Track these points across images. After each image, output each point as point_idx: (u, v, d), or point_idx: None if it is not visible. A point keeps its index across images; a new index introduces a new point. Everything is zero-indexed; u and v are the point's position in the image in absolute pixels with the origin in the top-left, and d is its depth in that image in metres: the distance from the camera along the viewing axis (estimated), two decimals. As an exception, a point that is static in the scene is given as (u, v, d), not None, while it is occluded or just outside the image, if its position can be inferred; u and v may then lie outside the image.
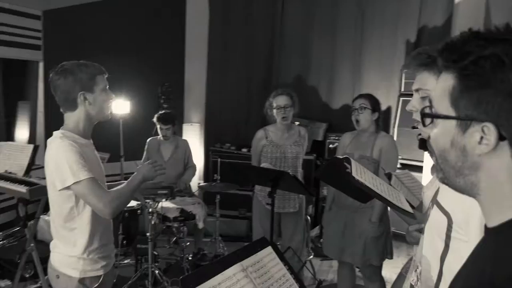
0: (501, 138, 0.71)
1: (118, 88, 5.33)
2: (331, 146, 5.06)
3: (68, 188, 1.82)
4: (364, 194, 2.13)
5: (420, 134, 2.70)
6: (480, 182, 0.76)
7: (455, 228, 1.22)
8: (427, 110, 0.85)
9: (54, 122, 5.17)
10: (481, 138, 0.72)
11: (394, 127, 4.82)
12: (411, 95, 4.54)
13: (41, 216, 4.44)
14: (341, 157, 1.82)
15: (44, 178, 2.01)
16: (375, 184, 1.63)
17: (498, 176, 0.73)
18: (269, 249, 1.66)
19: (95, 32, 5.45)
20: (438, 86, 0.81)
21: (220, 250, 4.17)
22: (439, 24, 5.08)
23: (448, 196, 1.25)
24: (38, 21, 5.22)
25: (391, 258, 3.03)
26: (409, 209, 1.59)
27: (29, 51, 5.10)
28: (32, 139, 5.36)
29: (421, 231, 1.68)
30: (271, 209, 2.91)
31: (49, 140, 1.94)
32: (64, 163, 1.81)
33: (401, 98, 4.83)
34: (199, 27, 5.96)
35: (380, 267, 3.03)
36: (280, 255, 1.69)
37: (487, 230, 0.78)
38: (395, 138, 4.65)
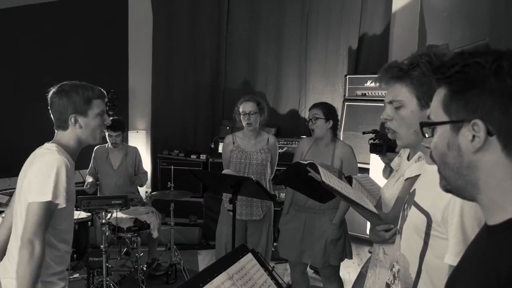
0: (490, 133, 0.79)
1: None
2: (280, 151, 5.14)
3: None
4: (324, 195, 2.23)
5: (371, 139, 2.85)
6: (479, 181, 0.82)
7: (434, 226, 1.30)
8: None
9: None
10: (473, 136, 0.80)
11: (340, 131, 5.00)
12: (355, 99, 4.75)
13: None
14: (305, 162, 1.88)
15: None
16: (343, 188, 1.71)
17: (495, 172, 0.80)
18: (249, 256, 1.68)
19: (31, 35, 5.17)
20: (433, 100, 0.90)
21: (175, 259, 4.10)
22: (378, 32, 5.36)
23: (427, 197, 1.33)
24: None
25: (351, 258, 3.15)
26: (376, 211, 1.68)
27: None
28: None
29: (387, 230, 1.78)
30: (232, 215, 2.91)
31: (41, 151, 1.85)
32: (52, 177, 1.73)
33: (346, 103, 5.02)
34: (142, 32, 5.84)
35: (338, 267, 3.13)
36: (260, 261, 1.72)
37: (488, 228, 0.85)
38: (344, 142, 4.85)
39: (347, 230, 3.12)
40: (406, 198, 1.49)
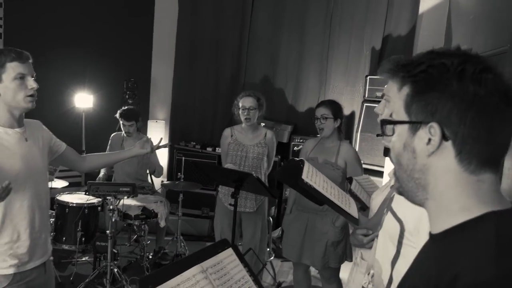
0: (445, 138, 0.76)
1: (81, 81, 5.24)
2: (295, 148, 5.13)
3: None
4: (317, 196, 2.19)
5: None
6: (429, 185, 0.80)
7: (406, 235, 1.27)
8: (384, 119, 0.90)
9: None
10: (429, 139, 0.77)
11: (357, 132, 4.93)
12: (374, 101, 4.68)
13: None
14: (297, 159, 1.86)
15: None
16: (325, 187, 1.67)
17: (445, 178, 0.78)
18: (229, 250, 1.67)
19: (58, 21, 5.32)
20: (397, 98, 0.86)
21: (181, 250, 4.14)
22: (403, 33, 5.24)
23: (402, 204, 1.30)
24: (-1, 8, 5.05)
25: (351, 260, 3.11)
26: (355, 215, 1.65)
27: (-12, 39, 4.93)
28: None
29: (366, 235, 1.74)
30: (233, 209, 2.92)
31: None
32: None
33: (365, 104, 4.94)
34: (167, 24, 5.90)
35: (338, 269, 3.10)
36: (241, 256, 1.71)
37: (431, 236, 0.82)
38: (357, 144, 4.78)
39: (349, 233, 3.08)
40: (386, 203, 1.46)
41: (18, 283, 1.85)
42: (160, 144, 2.45)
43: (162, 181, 5.51)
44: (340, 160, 3.00)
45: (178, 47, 5.91)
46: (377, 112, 1.48)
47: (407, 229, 1.26)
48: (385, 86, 1.49)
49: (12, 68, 1.82)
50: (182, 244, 4.20)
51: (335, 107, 3.07)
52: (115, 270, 3.55)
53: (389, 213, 1.36)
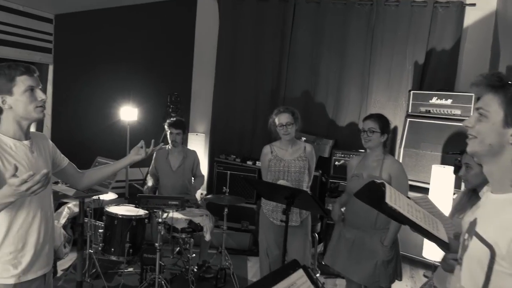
0: None
1: (127, 95, 5.38)
2: (337, 163, 5.10)
3: None
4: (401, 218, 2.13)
5: (458, 160, 2.74)
6: None
7: (498, 261, 1.24)
8: None
9: (62, 124, 5.19)
10: None
11: (400, 147, 4.87)
12: (418, 116, 4.62)
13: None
14: (377, 181, 1.83)
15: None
16: (410, 211, 1.64)
17: None
18: (300, 271, 1.67)
19: (105, 38, 5.48)
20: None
21: (225, 263, 4.16)
22: (447, 47, 5.17)
23: (490, 228, 1.27)
24: (50, 25, 5.23)
25: (401, 280, 3.06)
26: (445, 239, 1.61)
27: (40, 53, 5.11)
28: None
29: (457, 260, 1.69)
30: (285, 226, 2.92)
31: None
32: None
33: (408, 119, 4.88)
34: (208, 38, 6.00)
35: (388, 288, 3.05)
36: (311, 277, 1.70)
37: None
38: (400, 159, 4.71)
39: (399, 251, 3.03)
40: (467, 227, 1.43)
41: None
42: (156, 148, 2.44)
43: (202, 194, 5.57)
44: (384, 174, 2.96)
45: (218, 61, 5.99)
46: (466, 126, 1.43)
47: (498, 254, 1.22)
48: (481, 100, 1.43)
49: (22, 82, 1.86)
50: (226, 257, 4.21)
51: (383, 121, 3.05)
52: (163, 282, 3.59)
53: (474, 238, 1.33)
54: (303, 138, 4.85)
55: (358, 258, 2.99)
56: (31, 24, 4.91)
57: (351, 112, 5.51)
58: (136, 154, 2.33)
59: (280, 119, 3.40)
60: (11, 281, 1.84)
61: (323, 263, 4.54)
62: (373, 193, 1.74)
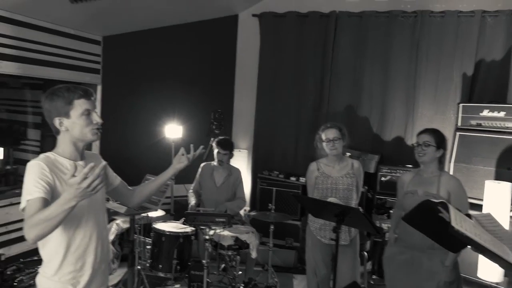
0: None
1: (171, 113, 5.48)
2: (383, 179, 4.97)
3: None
4: (456, 242, 2.02)
5: None
6: None
7: None
8: None
9: (111, 143, 5.34)
10: None
11: (450, 162, 4.69)
12: (469, 129, 4.44)
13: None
14: (436, 200, 1.76)
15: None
16: (477, 234, 1.55)
17: None
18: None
19: (150, 58, 5.63)
20: None
21: (272, 281, 4.10)
22: (497, 58, 5.00)
23: None
24: (98, 46, 5.42)
25: (462, 301, 2.92)
26: None
27: (89, 74, 5.30)
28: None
29: None
30: (335, 245, 2.86)
31: None
32: (25, 182, 1.79)
33: (458, 133, 4.71)
34: (249, 55, 6.05)
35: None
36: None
37: None
38: (451, 174, 4.54)
39: (460, 272, 2.89)
40: None
41: None
42: (196, 153, 2.39)
43: (245, 210, 5.56)
44: (443, 191, 2.85)
45: (260, 78, 6.02)
46: None
47: None
48: None
49: (80, 105, 1.89)
50: (272, 275, 4.16)
51: (438, 136, 2.96)
52: (210, 300, 3.57)
53: None
54: (348, 154, 4.76)
55: (418, 280, 2.87)
56: (81, 46, 5.11)
57: (396, 126, 5.39)
58: (178, 162, 2.32)
59: (327, 134, 3.36)
60: None
61: (371, 282, 4.43)
62: (429, 215, 1.66)
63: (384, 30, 5.43)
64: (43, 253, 1.90)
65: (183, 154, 2.33)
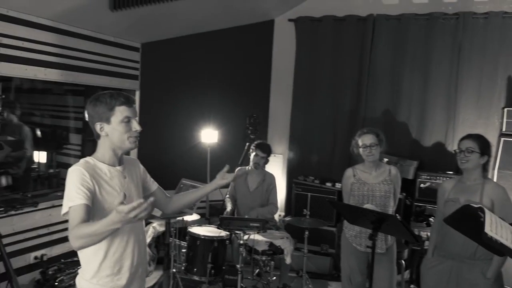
0: None
1: (207, 118, 5.55)
2: (422, 185, 4.84)
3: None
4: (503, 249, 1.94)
5: None
6: None
7: None
8: None
9: (148, 148, 5.46)
10: None
11: (493, 169, 4.51)
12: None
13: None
14: (474, 205, 1.69)
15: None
16: None
17: None
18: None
19: (187, 63, 5.72)
20: None
21: (306, 287, 4.06)
22: (545, 59, 4.77)
23: None
24: (137, 53, 5.56)
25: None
26: None
27: (128, 80, 5.43)
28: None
29: None
30: (371, 252, 2.79)
31: None
32: (66, 188, 1.83)
33: (503, 138, 4.52)
34: (285, 59, 6.03)
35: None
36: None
37: None
38: (495, 181, 4.36)
39: (503, 284, 2.76)
40: None
41: None
42: (233, 173, 2.37)
43: (280, 215, 5.54)
44: (486, 200, 2.73)
45: (296, 82, 5.99)
46: None
47: None
48: None
49: (120, 112, 1.92)
50: (307, 282, 4.11)
51: (482, 142, 2.84)
52: (244, 305, 3.57)
53: None
54: (385, 159, 4.66)
55: None
56: (121, 53, 5.25)
57: (436, 131, 5.22)
58: (221, 178, 2.33)
59: (364, 140, 3.28)
60: None
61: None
62: (468, 219, 1.59)
63: (424, 33, 5.28)
64: (81, 256, 1.95)
65: (228, 171, 2.35)
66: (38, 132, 5.61)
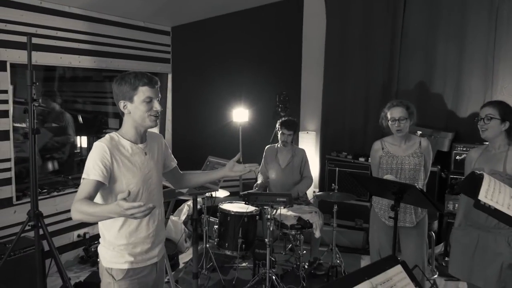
0: None
1: (238, 97, 5.62)
2: (458, 157, 4.70)
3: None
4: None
5: None
6: None
7: None
8: None
9: (180, 130, 5.59)
10: None
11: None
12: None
13: (170, 217, 4.81)
14: (478, 172, 1.66)
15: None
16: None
17: None
18: (398, 267, 1.59)
19: (217, 44, 5.79)
20: None
21: (336, 261, 4.09)
22: None
23: None
24: (167, 37, 5.68)
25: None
26: None
27: (160, 64, 5.58)
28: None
29: None
30: (394, 223, 2.78)
31: None
32: (87, 161, 1.95)
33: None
34: (316, 36, 5.96)
35: (518, 295, 2.72)
36: (410, 274, 1.61)
37: None
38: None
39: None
40: None
41: (131, 277, 2.07)
42: (245, 169, 2.37)
43: (314, 191, 5.56)
44: (510, 168, 2.63)
45: (327, 58, 5.91)
46: None
47: None
48: None
49: (143, 92, 2.01)
50: (337, 255, 4.15)
51: (503, 107, 2.72)
52: (273, 277, 3.66)
53: None
54: (419, 132, 4.55)
55: (482, 261, 2.71)
56: (151, 38, 5.39)
57: (473, 101, 5.02)
58: (230, 170, 2.36)
59: (393, 113, 3.18)
60: (125, 266, 2.06)
61: (443, 264, 4.24)
62: (472, 186, 1.58)
63: (458, -1, 5.06)
64: (101, 224, 2.10)
65: (239, 161, 2.38)
66: (80, 119, 5.88)
